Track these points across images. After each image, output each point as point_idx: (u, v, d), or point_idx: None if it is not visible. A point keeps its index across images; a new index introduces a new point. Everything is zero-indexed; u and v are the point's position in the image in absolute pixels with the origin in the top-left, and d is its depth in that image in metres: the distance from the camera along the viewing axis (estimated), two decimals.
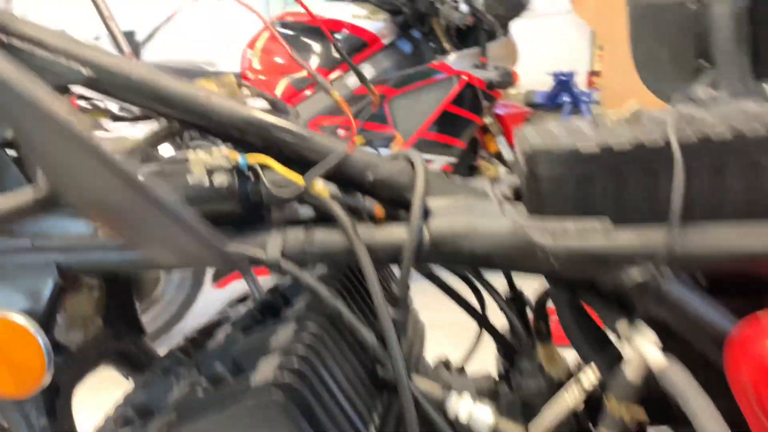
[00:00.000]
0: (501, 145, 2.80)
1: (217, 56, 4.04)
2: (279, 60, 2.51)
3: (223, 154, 0.57)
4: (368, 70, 2.53)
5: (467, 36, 2.68)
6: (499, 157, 2.82)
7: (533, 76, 3.26)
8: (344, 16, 2.51)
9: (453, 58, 2.59)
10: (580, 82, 3.42)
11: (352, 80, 2.51)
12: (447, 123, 2.57)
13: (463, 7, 2.54)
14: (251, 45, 2.56)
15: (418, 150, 2.31)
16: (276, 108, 0.66)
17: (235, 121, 0.60)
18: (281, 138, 0.60)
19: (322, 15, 2.52)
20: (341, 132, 2.42)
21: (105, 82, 0.61)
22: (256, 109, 0.61)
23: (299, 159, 0.60)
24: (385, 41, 2.58)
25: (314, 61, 2.49)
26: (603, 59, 3.35)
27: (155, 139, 0.65)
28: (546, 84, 3.42)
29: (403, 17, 2.56)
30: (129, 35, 3.70)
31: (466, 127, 2.63)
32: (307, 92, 2.48)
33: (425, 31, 2.68)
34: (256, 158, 0.57)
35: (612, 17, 3.23)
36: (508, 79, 2.61)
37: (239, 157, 0.57)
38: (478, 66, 2.60)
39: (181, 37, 4.36)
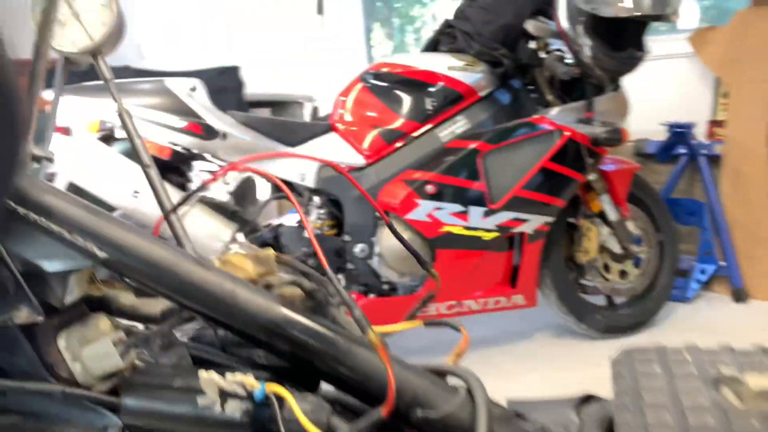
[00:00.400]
0: (605, 203, 2.57)
1: (316, 92, 4.08)
2: (370, 112, 2.43)
3: (237, 380, 0.47)
4: (463, 123, 2.40)
5: (573, 88, 2.49)
6: (602, 216, 2.59)
7: (646, 124, 3.00)
8: (440, 67, 2.40)
9: (555, 112, 2.41)
10: (700, 133, 3.10)
11: (444, 132, 2.40)
12: (545, 181, 2.39)
13: (570, 59, 2.36)
14: (345, 94, 2.50)
15: (511, 209, 2.15)
16: (315, 298, 0.55)
17: (262, 323, 0.50)
18: (315, 347, 0.49)
19: (417, 66, 2.42)
20: (430, 188, 2.31)
21: (120, 264, 0.54)
22: (287, 309, 0.51)
23: (333, 373, 0.49)
24: (482, 93, 2.44)
25: (406, 114, 2.40)
26: (728, 108, 3.02)
27: (175, 322, 0.57)
28: (660, 133, 3.13)
29: (503, 68, 2.42)
30: (232, 71, 3.79)
31: (566, 185, 2.44)
32: (398, 144, 2.38)
33: (526, 81, 2.53)
34: (275, 389, 0.47)
35: (739, 62, 2.92)
36: (616, 136, 2.39)
37: (257, 386, 0.47)
38: (583, 121, 2.40)
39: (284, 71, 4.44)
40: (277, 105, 4.79)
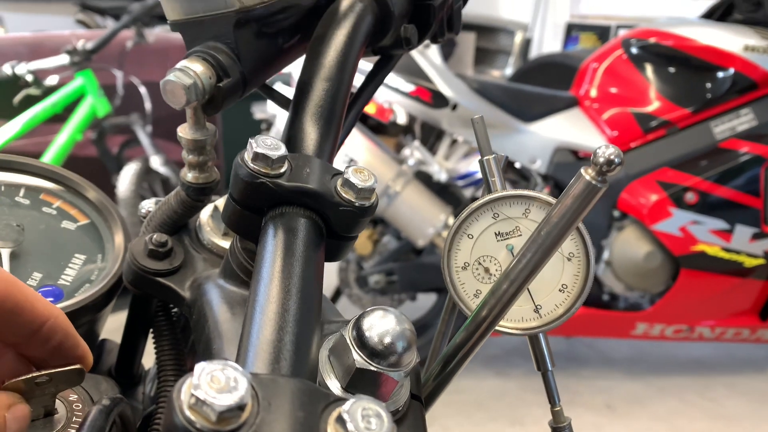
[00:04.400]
0: None
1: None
2: (628, 89, 2.00)
3: None
4: (748, 120, 1.91)
5: None
6: None
7: None
8: (732, 45, 1.88)
9: None
10: None
11: (721, 128, 1.92)
12: None
13: None
14: (598, 60, 2.08)
15: None
16: None
17: None
18: None
19: (700, 41, 1.92)
20: (691, 196, 1.89)
21: None
22: None
23: None
24: None
25: (674, 98, 1.94)
26: None
27: None
28: None
29: None
30: None
31: None
32: (657, 134, 1.96)
33: None
34: None
35: None
36: None
37: None
38: None
39: None
40: (483, 30, 4.35)
